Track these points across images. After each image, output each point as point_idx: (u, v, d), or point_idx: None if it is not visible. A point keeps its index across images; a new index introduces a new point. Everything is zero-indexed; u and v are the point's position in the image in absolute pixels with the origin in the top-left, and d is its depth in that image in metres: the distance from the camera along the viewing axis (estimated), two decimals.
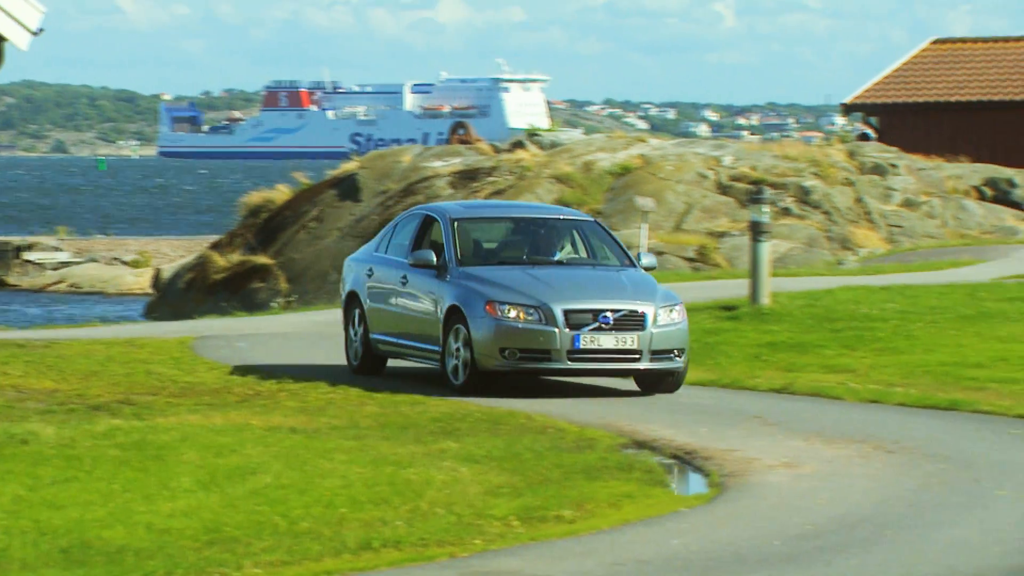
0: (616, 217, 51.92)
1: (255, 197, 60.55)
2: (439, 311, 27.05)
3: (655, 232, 51.22)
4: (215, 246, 59.70)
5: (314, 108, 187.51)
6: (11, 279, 69.55)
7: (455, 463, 22.18)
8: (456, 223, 27.94)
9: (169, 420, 25.07)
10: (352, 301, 29.52)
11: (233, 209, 66.72)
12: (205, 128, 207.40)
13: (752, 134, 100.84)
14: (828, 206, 54.83)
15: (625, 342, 25.89)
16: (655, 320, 26.08)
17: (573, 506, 19.95)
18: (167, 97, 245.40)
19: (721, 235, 52.41)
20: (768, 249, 35.29)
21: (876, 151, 59.56)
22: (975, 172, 60.39)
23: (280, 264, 55.48)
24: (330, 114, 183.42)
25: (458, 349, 26.54)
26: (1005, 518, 19.52)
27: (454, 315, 26.66)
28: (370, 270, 29.20)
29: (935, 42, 72.23)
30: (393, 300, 28.45)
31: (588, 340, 25.84)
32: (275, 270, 55.26)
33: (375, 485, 20.75)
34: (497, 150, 59.04)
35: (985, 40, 72.14)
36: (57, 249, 74.36)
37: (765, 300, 35.70)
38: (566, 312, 25.81)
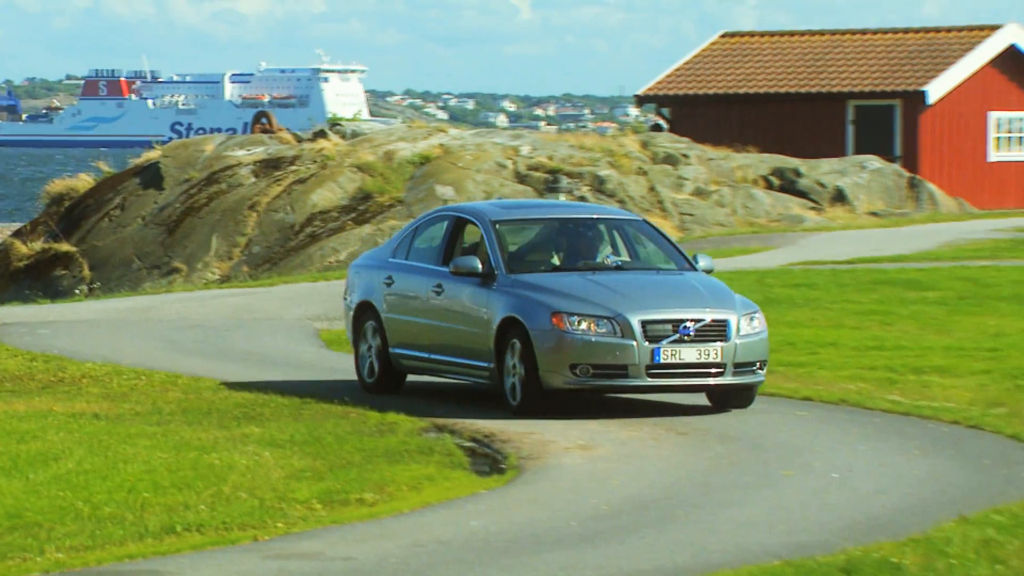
0: (417, 205, 52.07)
1: (57, 185, 60.20)
2: (490, 323, 24.26)
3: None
4: (17, 233, 59.31)
5: (134, 97, 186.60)
6: None
7: (258, 448, 22.10)
8: (497, 225, 25.10)
9: None
10: (364, 312, 26.45)
11: (36, 197, 66.25)
12: (23, 117, 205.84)
13: (549, 124, 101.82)
14: (622, 195, 55.25)
15: (708, 355, 23.05)
16: (738, 330, 23.31)
17: (375, 489, 19.94)
18: None
19: None
20: None
21: (668, 141, 60.06)
22: (763, 162, 60.98)
23: (83, 252, 55.31)
24: (150, 103, 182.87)
25: (514, 366, 23.81)
26: (791, 498, 19.80)
27: (510, 328, 23.94)
28: (389, 278, 26.16)
29: (724, 35, 72.79)
30: (423, 311, 25.56)
31: (668, 354, 22.96)
32: (78, 258, 55.09)
33: (178, 470, 20.62)
34: (299, 139, 59.06)
35: (772, 34, 72.61)
36: None
37: None
38: (643, 323, 22.93)
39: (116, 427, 23.39)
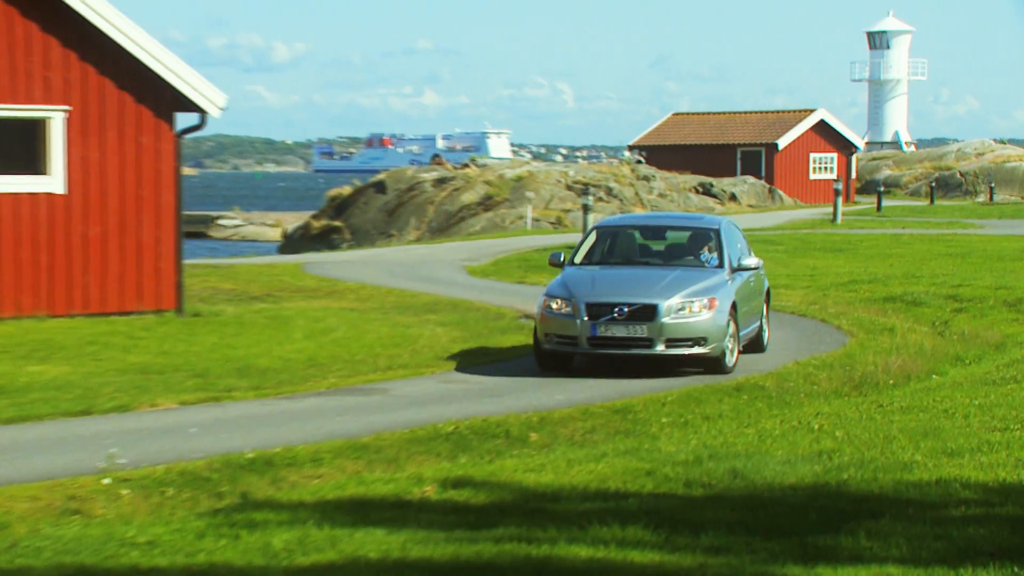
0: (516, 202, 52.97)
1: (334, 192, 60.57)
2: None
3: (536, 209, 51.73)
4: (314, 216, 60.14)
5: (391, 147, 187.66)
6: (210, 233, 71.34)
7: (433, 326, 22.13)
8: (597, 229, 20.23)
9: (290, 305, 25.05)
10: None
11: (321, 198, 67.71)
12: (336, 157, 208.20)
13: (582, 160, 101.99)
14: (621, 196, 56.21)
15: (635, 331, 17.50)
16: (667, 313, 17.55)
17: (494, 350, 19.93)
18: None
19: (568, 211, 53.51)
20: (592, 218, 34.76)
21: (645, 168, 61.29)
22: (694, 179, 63.56)
23: (346, 225, 56.47)
24: (399, 150, 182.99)
25: (534, 329, 18.87)
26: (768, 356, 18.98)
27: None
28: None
29: (674, 114, 77.91)
30: None
31: (603, 329, 17.59)
32: (343, 229, 56.44)
33: (392, 337, 20.83)
34: (455, 168, 60.94)
35: (699, 113, 78.08)
36: (233, 218, 76.17)
37: None
38: (588, 305, 17.68)
39: (362, 315, 23.44)
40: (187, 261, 24.50)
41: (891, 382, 18.27)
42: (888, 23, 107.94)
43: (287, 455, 13.03)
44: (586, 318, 17.52)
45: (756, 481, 10.67)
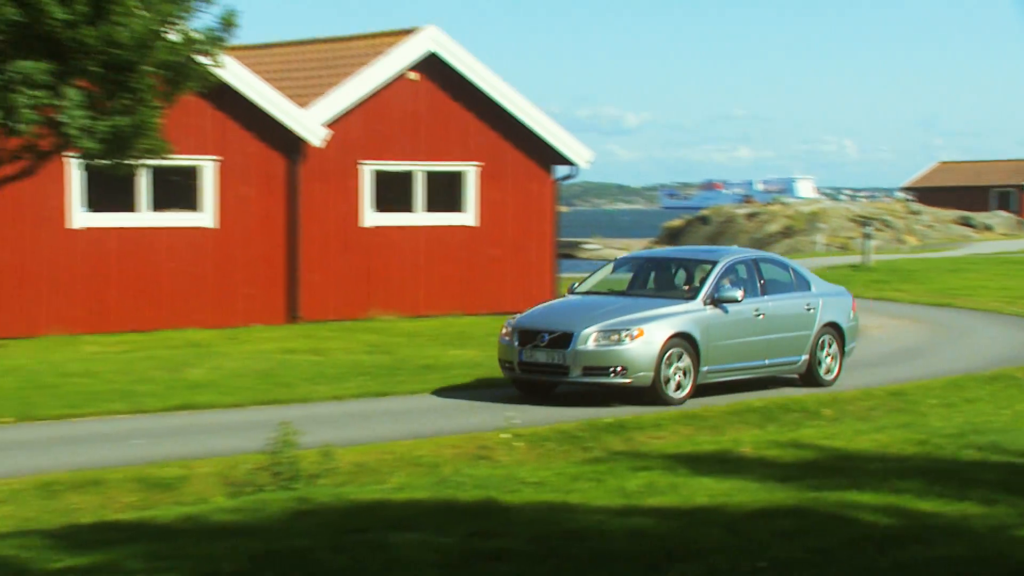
0: (810, 231, 51.60)
1: (668, 224, 61.19)
2: None
3: (826, 237, 50.48)
4: (653, 241, 59.57)
5: (719, 189, 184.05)
6: (577, 255, 71.95)
7: None
8: (614, 260, 16.39)
9: None
10: None
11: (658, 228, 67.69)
12: (679, 197, 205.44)
13: (864, 199, 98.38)
14: (894, 227, 53.87)
15: (554, 359, 13.78)
16: (584, 342, 13.67)
17: None
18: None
19: (851, 239, 51.83)
20: (872, 244, 34.52)
21: (915, 205, 59.23)
22: (955, 213, 59.47)
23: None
24: (726, 192, 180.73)
25: None
26: (952, 351, 18.15)
27: None
28: None
29: (941, 163, 74.05)
30: None
31: (527, 355, 13.93)
32: None
33: None
34: (762, 205, 60.32)
35: (961, 162, 74.35)
36: (593, 243, 76.81)
37: (871, 261, 34.41)
38: (520, 332, 14.10)
39: None
40: (562, 275, 24.60)
41: None
42: None
43: (636, 421, 13.00)
44: (517, 344, 14.12)
45: (1014, 451, 10.12)
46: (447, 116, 22.55)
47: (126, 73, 13.95)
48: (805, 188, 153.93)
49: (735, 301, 14.42)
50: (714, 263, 14.84)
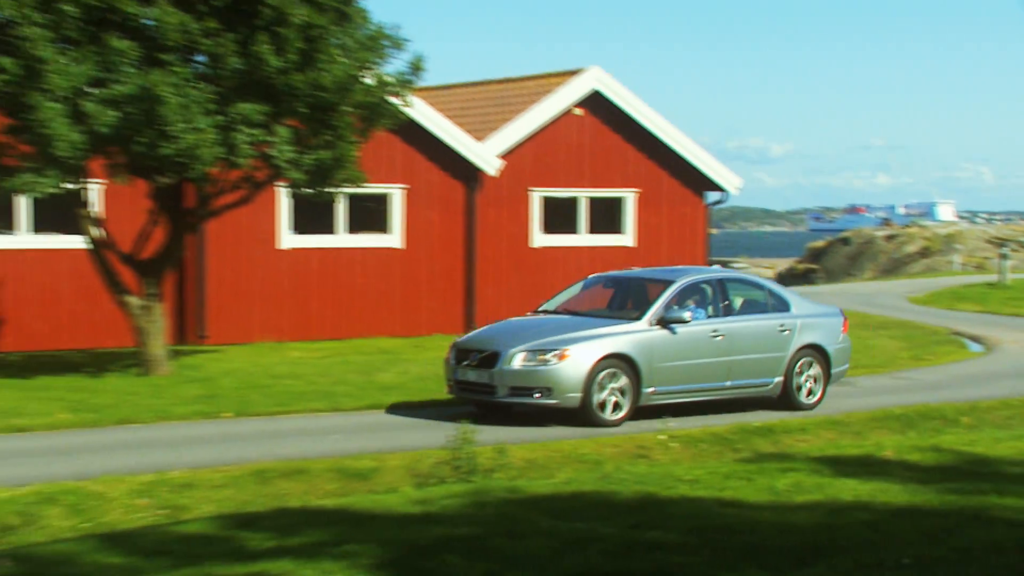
0: (947, 252, 49.88)
1: (811, 244, 59.88)
2: None
3: (962, 257, 48.60)
4: (797, 261, 58.94)
5: (862, 212, 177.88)
6: None
7: (885, 339, 19.71)
8: (586, 279, 14.34)
9: None
10: None
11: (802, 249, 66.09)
12: (825, 220, 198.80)
13: (999, 222, 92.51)
14: None
15: (482, 378, 12.41)
16: (510, 362, 12.25)
17: (931, 355, 18.30)
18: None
19: (987, 259, 49.86)
20: (1008, 263, 33.33)
21: None
22: None
23: (820, 267, 55.17)
24: (868, 215, 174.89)
25: None
26: None
27: None
28: None
29: None
30: None
31: (460, 374, 12.56)
32: (818, 270, 54.93)
33: (856, 346, 17.03)
34: (901, 228, 58.32)
35: None
36: (741, 262, 74.35)
37: (1007, 280, 33.02)
38: (456, 350, 12.76)
39: None
40: None
41: None
42: None
43: (783, 425, 12.75)
44: (453, 363, 12.78)
45: None
46: (608, 147, 22.60)
47: (328, 113, 14.40)
48: (945, 212, 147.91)
49: (683, 322, 12.76)
50: (669, 283, 13.16)
